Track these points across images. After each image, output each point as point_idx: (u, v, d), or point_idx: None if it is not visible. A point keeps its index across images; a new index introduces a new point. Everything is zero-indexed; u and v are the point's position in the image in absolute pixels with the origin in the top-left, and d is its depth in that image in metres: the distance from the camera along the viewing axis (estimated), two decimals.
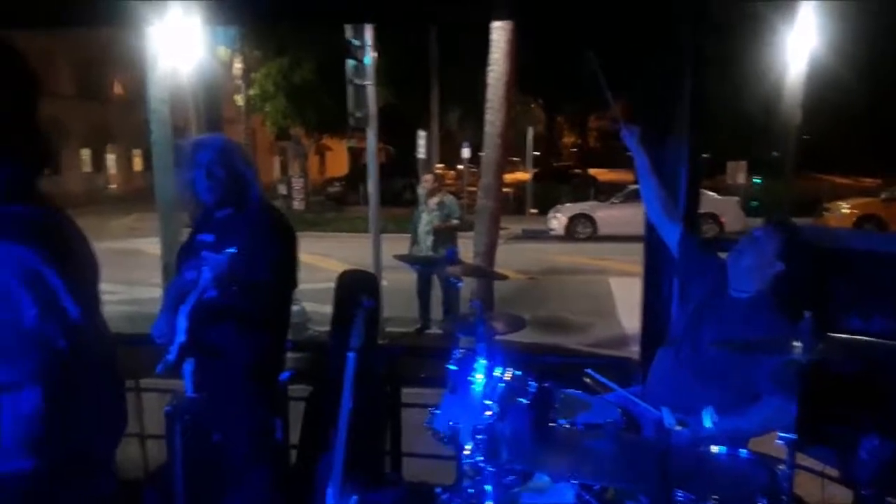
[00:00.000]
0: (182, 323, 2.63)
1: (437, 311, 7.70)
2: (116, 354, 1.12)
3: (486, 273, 5.63)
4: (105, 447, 1.07)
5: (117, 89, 32.63)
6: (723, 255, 2.60)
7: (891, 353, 2.24)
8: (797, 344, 1.76)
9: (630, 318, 7.96)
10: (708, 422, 1.51)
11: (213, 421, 3.00)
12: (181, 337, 2.63)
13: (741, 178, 20.59)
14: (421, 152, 17.08)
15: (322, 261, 10.75)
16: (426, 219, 7.38)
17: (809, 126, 18.50)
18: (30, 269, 0.88)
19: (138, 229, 17.22)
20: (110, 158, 33.51)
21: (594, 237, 16.89)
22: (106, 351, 1.05)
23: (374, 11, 3.25)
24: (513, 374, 2.22)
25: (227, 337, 2.69)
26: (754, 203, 20.91)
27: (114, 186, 32.85)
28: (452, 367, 2.39)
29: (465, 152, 22.45)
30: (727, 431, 2.12)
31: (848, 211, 17.11)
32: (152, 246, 10.73)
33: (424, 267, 6.80)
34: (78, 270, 0.97)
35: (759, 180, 24.73)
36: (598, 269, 12.66)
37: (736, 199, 18.86)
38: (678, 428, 1.47)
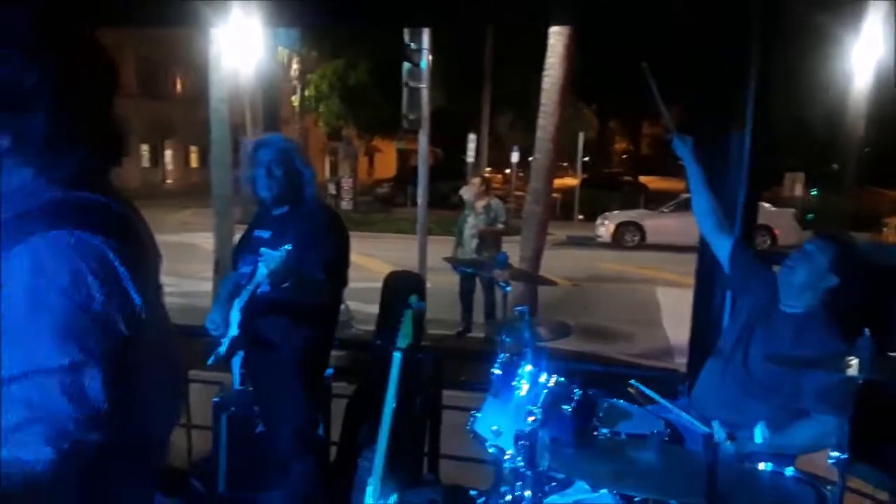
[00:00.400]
0: (236, 316, 2.71)
1: (478, 315, 7.70)
2: (175, 343, 1.17)
3: (534, 278, 5.61)
4: (161, 430, 1.10)
5: (177, 87, 33.62)
6: (776, 267, 2.54)
7: None
8: (852, 361, 1.72)
9: (676, 329, 7.83)
10: (759, 437, 1.48)
11: (258, 413, 3.08)
12: (234, 330, 2.70)
13: (798, 190, 20.04)
14: (470, 156, 17.10)
15: (367, 261, 10.86)
16: (472, 222, 7.38)
17: (871, 138, 17.87)
18: (99, 256, 0.91)
19: (192, 224, 17.69)
20: (168, 154, 34.52)
21: (642, 246, 16.64)
22: (165, 339, 1.08)
23: (435, 14, 3.27)
24: (557, 380, 2.21)
25: (278, 331, 2.76)
26: (810, 216, 20.31)
27: (170, 181, 33.83)
28: (497, 371, 2.39)
29: (514, 156, 22.39)
30: (776, 447, 2.07)
31: None
32: (206, 240, 11.03)
33: (472, 270, 6.81)
34: (142, 261, 1.00)
35: (816, 192, 24.01)
36: (644, 279, 12.47)
37: (791, 210, 18.32)
38: (727, 442, 1.44)
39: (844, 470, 1.68)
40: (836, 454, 1.69)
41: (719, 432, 1.44)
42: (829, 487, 1.80)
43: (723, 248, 2.69)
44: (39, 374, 0.86)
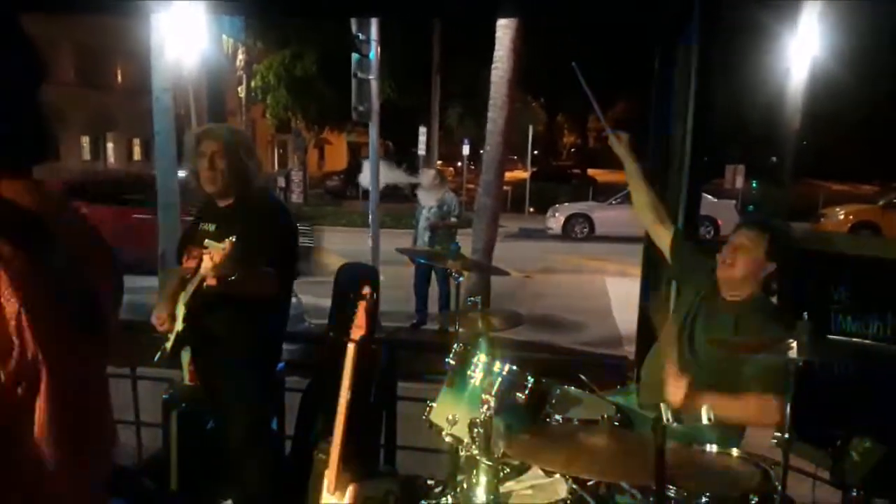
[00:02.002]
0: (181, 312, 2.65)
1: (432, 307, 7.72)
2: None
3: (487, 268, 5.65)
4: None
5: (118, 77, 32.52)
6: (718, 256, 2.62)
7: (886, 356, 2.26)
8: (791, 344, 1.79)
9: (625, 318, 7.99)
10: (704, 419, 1.53)
11: (209, 409, 3.02)
12: (180, 325, 2.64)
13: (739, 182, 20.66)
14: (421, 148, 17.08)
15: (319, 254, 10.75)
16: (425, 214, 7.39)
17: (808, 132, 18.57)
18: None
19: None
20: (109, 147, 33.42)
21: (591, 237, 16.94)
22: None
23: (382, 5, 3.25)
24: (510, 369, 2.24)
25: (226, 326, 2.70)
26: (751, 208, 20.99)
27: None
28: (451, 361, 2.41)
29: (465, 149, 22.46)
30: (721, 428, 2.15)
31: (844, 217, 17.17)
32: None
33: (425, 261, 6.81)
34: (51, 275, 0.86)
35: (756, 184, 24.81)
36: (594, 269, 12.70)
37: (733, 202, 18.92)
38: (674, 424, 1.49)
39: (787, 449, 1.75)
40: (778, 434, 1.75)
41: (666, 414, 1.49)
42: (773, 467, 1.87)
43: (663, 239, 2.76)
44: None
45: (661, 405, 1.50)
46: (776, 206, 17.98)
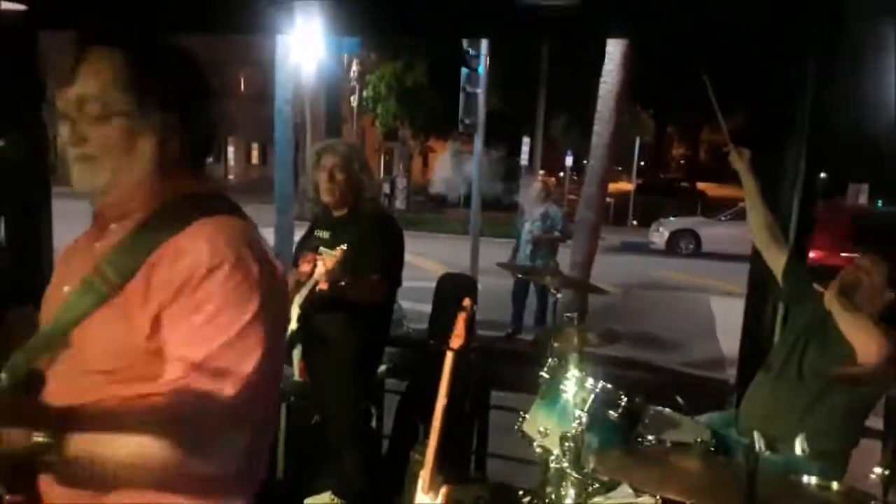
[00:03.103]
0: (294, 312, 2.85)
1: (529, 319, 7.73)
2: None
3: (584, 286, 5.62)
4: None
5: (240, 85, 34.54)
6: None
7: None
8: None
9: (729, 340, 7.69)
10: (799, 449, 1.52)
11: (315, 404, 3.22)
12: (294, 324, 2.85)
13: (862, 201, 19.27)
14: (524, 158, 17.10)
15: (420, 260, 11.00)
16: (528, 227, 7.39)
17: None
18: (250, 234, 1.16)
19: (253, 219, 18.17)
20: (230, 151, 35.51)
21: (697, 254, 16.33)
22: None
23: (490, 26, 3.36)
24: (603, 386, 2.27)
25: (334, 327, 2.89)
26: None
27: (232, 177, 34.79)
28: (545, 375, 2.47)
29: (568, 160, 22.25)
30: (822, 461, 2.10)
31: None
32: (266, 235, 11.34)
33: (526, 276, 6.86)
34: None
35: (881, 204, 23.08)
36: (699, 287, 12.27)
37: None
38: (767, 453, 1.48)
39: (888, 484, 1.69)
40: (878, 470, 1.70)
41: (760, 442, 1.49)
42: (873, 502, 1.81)
43: (777, 261, 2.70)
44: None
45: (755, 433, 1.50)
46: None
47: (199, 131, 1.14)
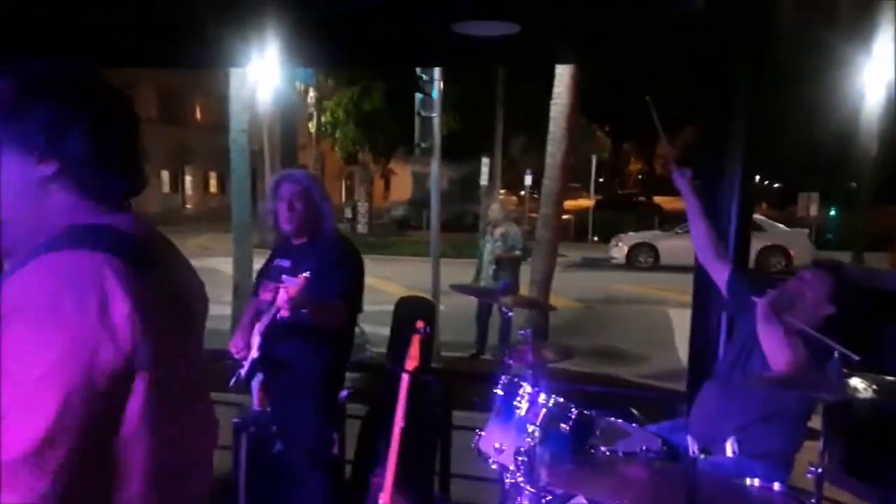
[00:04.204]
0: (256, 340, 2.87)
1: (494, 338, 7.81)
2: (207, 396, 1.22)
3: (536, 304, 5.72)
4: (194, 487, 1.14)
5: (197, 114, 34.31)
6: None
7: None
8: (848, 383, 1.82)
9: (686, 350, 7.87)
10: (728, 451, 1.60)
11: (276, 433, 3.22)
12: (255, 353, 2.87)
13: (813, 210, 19.95)
14: (484, 179, 17.28)
15: (383, 283, 11.01)
16: (490, 248, 7.52)
17: (887, 156, 17.81)
18: (91, 274, 0.93)
19: (211, 249, 18.00)
20: (188, 180, 35.12)
21: (656, 267, 16.67)
22: (192, 391, 1.10)
23: (440, 58, 3.47)
24: (555, 400, 2.34)
25: (297, 354, 2.92)
26: (828, 236, 20.23)
27: (190, 206, 34.37)
28: (499, 392, 2.53)
29: (528, 179, 22.54)
30: (768, 463, 2.19)
31: None
32: (225, 265, 11.27)
33: (480, 297, 6.97)
34: (158, 289, 1.01)
35: (833, 212, 23.90)
36: (658, 300, 12.51)
37: (805, 231, 18.29)
38: (702, 456, 1.56)
39: (821, 483, 1.79)
40: (813, 468, 1.80)
41: (693, 446, 1.57)
42: (812, 500, 1.91)
43: (721, 275, 2.81)
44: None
45: (688, 437, 1.58)
46: (853, 235, 17.26)
47: (96, 162, 1.04)
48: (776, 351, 2.21)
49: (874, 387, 1.88)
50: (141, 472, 0.96)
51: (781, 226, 17.68)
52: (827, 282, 2.41)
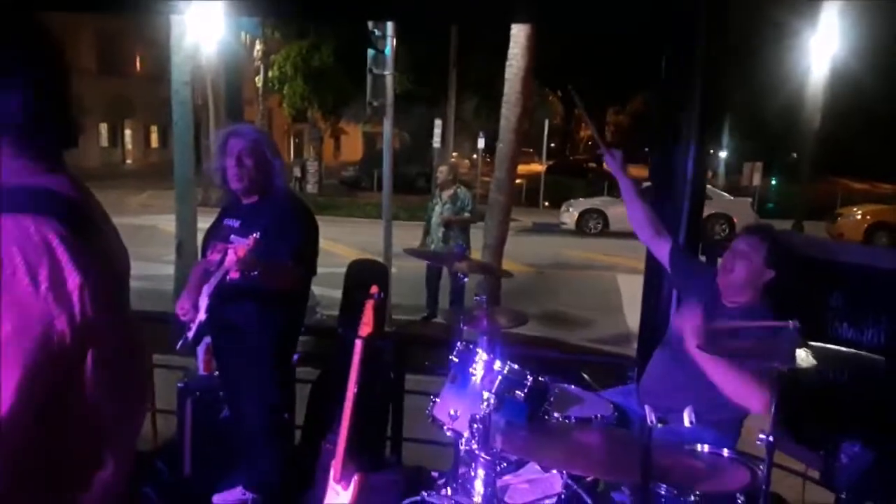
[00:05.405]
0: (204, 302, 2.76)
1: (444, 301, 7.80)
2: (142, 350, 1.13)
3: (491, 270, 5.70)
4: (122, 440, 1.05)
5: (138, 65, 32.85)
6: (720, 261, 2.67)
7: (878, 365, 2.31)
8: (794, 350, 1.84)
9: (635, 315, 8.02)
10: (687, 422, 1.61)
11: (224, 398, 3.13)
12: (202, 315, 2.75)
13: (756, 180, 20.52)
14: (436, 141, 17.13)
15: (332, 245, 10.86)
16: (438, 210, 7.44)
17: (829, 129, 18.39)
18: (39, 242, 0.88)
19: (153, 206, 17.45)
20: (128, 134, 33.80)
21: (605, 233, 16.93)
22: (129, 347, 1.05)
23: (394, 10, 3.33)
24: (510, 367, 2.32)
25: (246, 318, 2.82)
26: (770, 205, 20.87)
27: (130, 162, 33.16)
28: (454, 359, 2.49)
29: (481, 142, 22.47)
30: (718, 429, 2.23)
31: (861, 217, 16.97)
32: (167, 223, 10.93)
33: (434, 262, 6.91)
34: (99, 255, 0.96)
35: (775, 182, 24.63)
36: (606, 266, 12.73)
37: (748, 200, 18.83)
38: (659, 425, 1.56)
39: (771, 450, 1.82)
40: (762, 436, 1.83)
41: (651, 416, 1.57)
42: (761, 466, 1.94)
43: (662, 249, 2.83)
44: None
45: (646, 407, 1.57)
46: (795, 205, 17.84)
47: (31, 117, 0.96)
48: (740, 397, 2.19)
49: (815, 357, 1.90)
50: (88, 433, 0.96)
51: (726, 194, 18.15)
52: (763, 246, 2.43)
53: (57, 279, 0.87)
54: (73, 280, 0.88)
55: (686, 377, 2.30)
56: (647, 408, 1.55)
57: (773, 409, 1.85)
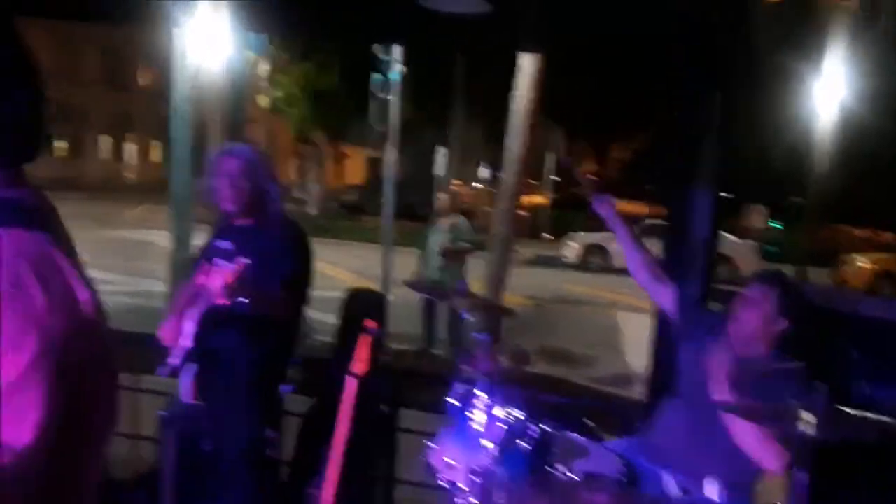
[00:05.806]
0: (189, 327, 2.62)
1: (442, 331, 7.62)
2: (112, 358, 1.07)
3: (493, 307, 5.52)
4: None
5: (142, 79, 33.01)
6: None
7: None
8: (804, 416, 1.69)
9: (635, 354, 7.88)
10: (710, 492, 1.45)
11: (206, 429, 2.97)
12: (187, 342, 2.61)
13: (758, 222, 20.45)
14: (439, 168, 17.11)
15: (331, 269, 10.71)
16: (435, 239, 7.27)
17: (832, 174, 18.37)
18: (47, 256, 0.83)
19: (150, 220, 17.33)
20: (129, 148, 33.85)
21: (607, 269, 16.77)
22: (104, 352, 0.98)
23: (402, 34, 3.25)
24: (513, 415, 2.17)
25: (232, 345, 2.69)
26: (772, 248, 20.74)
27: (131, 175, 33.15)
28: (453, 402, 2.34)
29: (483, 172, 22.48)
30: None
31: (865, 265, 16.77)
32: (163, 238, 10.80)
33: (435, 296, 6.73)
34: (74, 255, 0.91)
35: (778, 225, 24.54)
36: (607, 302, 12.58)
37: (754, 243, 18.65)
38: (680, 495, 1.41)
39: None
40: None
41: (672, 483, 1.41)
42: None
43: (663, 297, 2.69)
44: None
45: (666, 472, 1.42)
46: (798, 249, 17.72)
47: (8, 128, 0.89)
48: (758, 452, 2.05)
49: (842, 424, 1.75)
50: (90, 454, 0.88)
51: (730, 236, 18.05)
52: (774, 294, 2.29)
53: (69, 297, 0.82)
54: (83, 296, 0.84)
55: (710, 436, 2.12)
56: (666, 474, 1.39)
57: (791, 478, 1.69)
